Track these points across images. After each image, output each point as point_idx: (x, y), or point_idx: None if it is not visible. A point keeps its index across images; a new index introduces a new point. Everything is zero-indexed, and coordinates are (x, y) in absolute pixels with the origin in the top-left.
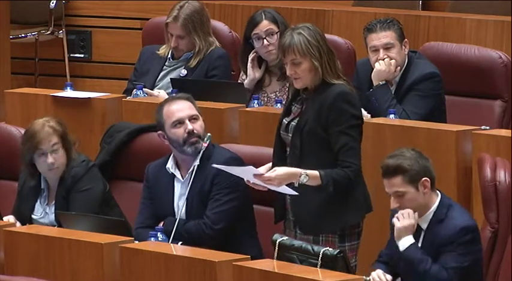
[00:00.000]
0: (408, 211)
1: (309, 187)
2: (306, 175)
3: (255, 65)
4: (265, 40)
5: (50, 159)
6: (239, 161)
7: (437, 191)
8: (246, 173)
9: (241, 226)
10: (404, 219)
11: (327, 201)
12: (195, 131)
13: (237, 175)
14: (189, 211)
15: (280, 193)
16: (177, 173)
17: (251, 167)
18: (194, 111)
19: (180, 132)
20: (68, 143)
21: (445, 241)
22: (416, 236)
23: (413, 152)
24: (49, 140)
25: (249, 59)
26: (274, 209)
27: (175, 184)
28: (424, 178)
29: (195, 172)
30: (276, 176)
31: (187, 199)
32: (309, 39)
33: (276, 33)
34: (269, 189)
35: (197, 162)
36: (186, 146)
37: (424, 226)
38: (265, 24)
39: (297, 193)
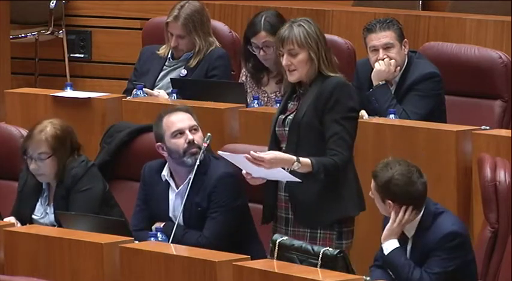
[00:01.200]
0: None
1: (304, 175)
2: (299, 162)
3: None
4: (261, 50)
5: (33, 165)
6: (234, 177)
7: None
8: (242, 162)
9: (241, 229)
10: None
11: (324, 189)
12: (195, 142)
13: (237, 164)
14: (187, 218)
15: (269, 190)
16: (172, 183)
17: (243, 155)
18: (194, 122)
19: (180, 142)
20: (62, 153)
21: (432, 246)
22: (403, 246)
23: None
24: (37, 148)
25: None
26: (263, 210)
27: (170, 192)
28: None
29: (191, 182)
30: (270, 159)
31: (184, 210)
32: (308, 31)
33: (273, 46)
34: (265, 182)
35: (192, 175)
36: (186, 157)
37: (410, 234)
38: (262, 36)
39: (300, 180)
